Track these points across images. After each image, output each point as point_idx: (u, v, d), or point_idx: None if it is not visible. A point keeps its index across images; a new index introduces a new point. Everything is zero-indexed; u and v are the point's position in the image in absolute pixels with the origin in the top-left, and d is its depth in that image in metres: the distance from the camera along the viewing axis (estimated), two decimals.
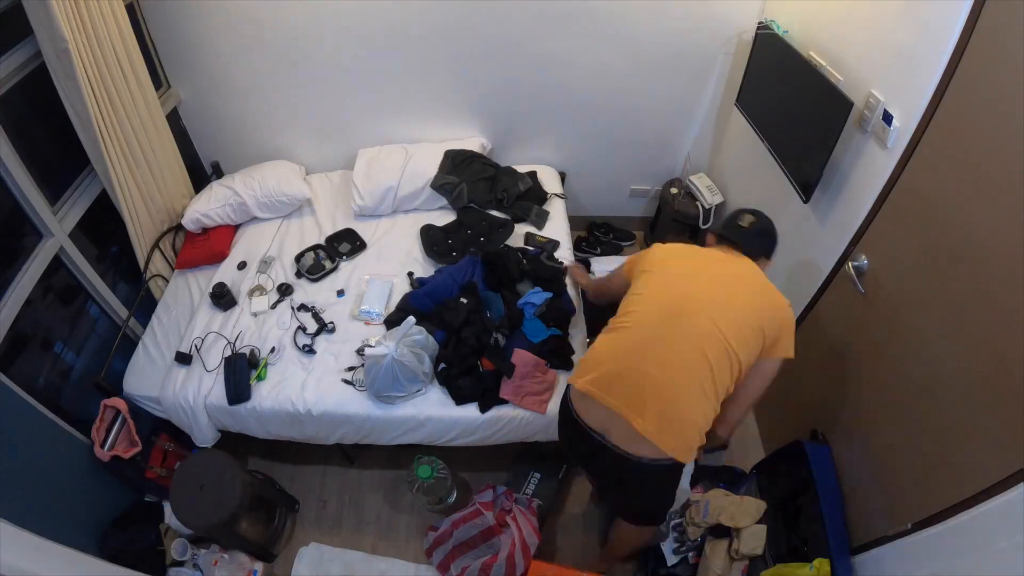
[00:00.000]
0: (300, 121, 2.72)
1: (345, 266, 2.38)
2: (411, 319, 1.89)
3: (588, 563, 2.03)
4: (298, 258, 2.37)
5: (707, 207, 2.67)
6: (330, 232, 2.52)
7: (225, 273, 2.37)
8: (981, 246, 1.28)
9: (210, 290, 2.22)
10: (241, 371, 1.96)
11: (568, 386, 1.56)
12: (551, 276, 2.13)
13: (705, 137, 2.83)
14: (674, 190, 2.82)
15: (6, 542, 1.34)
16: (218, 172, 2.87)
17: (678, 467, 1.44)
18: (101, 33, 1.89)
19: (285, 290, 2.26)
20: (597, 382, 1.44)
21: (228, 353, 2.03)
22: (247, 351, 2.02)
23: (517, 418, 1.91)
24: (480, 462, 2.29)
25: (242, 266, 2.40)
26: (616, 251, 3.15)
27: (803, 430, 2.04)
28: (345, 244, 2.45)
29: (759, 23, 2.21)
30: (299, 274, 2.34)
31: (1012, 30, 1.18)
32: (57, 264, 1.94)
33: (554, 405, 1.89)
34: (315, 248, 2.42)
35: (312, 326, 2.14)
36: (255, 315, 2.19)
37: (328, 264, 2.35)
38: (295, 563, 2.05)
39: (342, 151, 2.80)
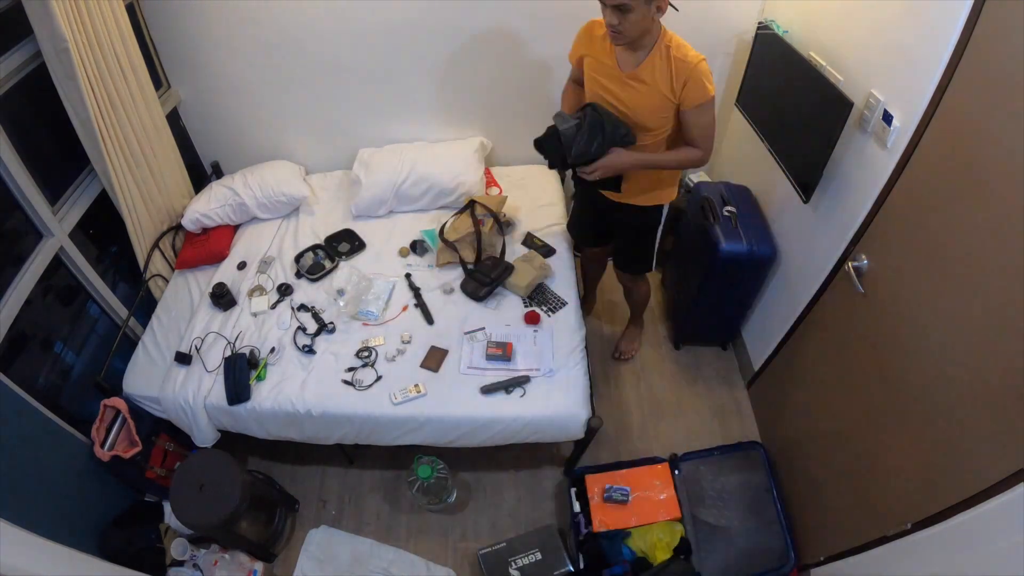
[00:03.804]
0: (300, 121, 2.72)
1: (344, 266, 2.38)
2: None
3: None
4: (298, 258, 2.38)
5: None
6: (330, 232, 2.52)
7: (225, 273, 2.37)
8: (981, 246, 1.28)
9: (210, 290, 2.22)
10: (241, 371, 1.96)
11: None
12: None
13: None
14: None
15: (6, 542, 1.34)
16: (218, 172, 2.88)
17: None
18: (101, 33, 1.90)
19: (285, 290, 2.26)
20: None
21: (228, 353, 2.03)
22: (247, 351, 2.02)
23: (518, 419, 1.91)
24: (481, 462, 2.29)
25: (242, 266, 2.40)
26: None
27: (800, 429, 2.05)
28: (344, 244, 2.45)
29: (759, 23, 2.22)
30: (299, 274, 2.34)
31: (1012, 30, 1.18)
32: (57, 264, 1.94)
33: None
34: (314, 248, 2.42)
35: (312, 326, 2.14)
36: (255, 315, 2.19)
37: (328, 264, 2.35)
38: (304, 544, 2.07)
39: (342, 151, 2.80)
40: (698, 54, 1.65)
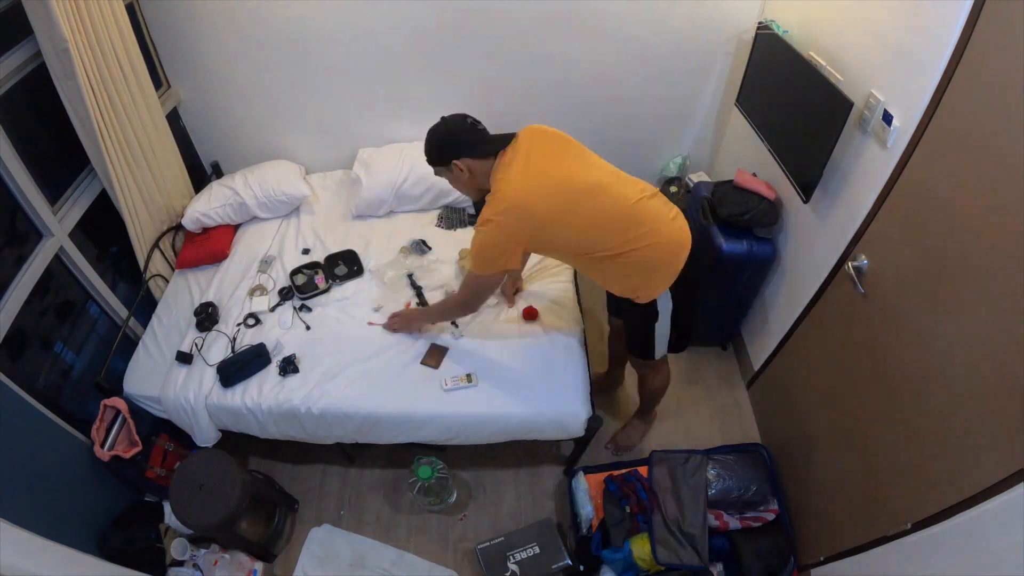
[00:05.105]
0: (300, 121, 2.72)
1: (336, 290, 2.28)
2: None
3: None
4: (293, 273, 2.31)
5: None
6: (329, 233, 2.52)
7: (225, 275, 2.38)
8: (981, 246, 1.28)
9: (195, 308, 2.19)
10: (252, 366, 1.97)
11: None
12: None
13: (705, 137, 2.83)
14: (674, 188, 2.82)
15: (6, 542, 1.34)
16: (218, 172, 2.88)
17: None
18: (101, 33, 1.90)
19: (286, 294, 2.26)
20: None
21: (229, 353, 2.03)
22: (291, 355, 2.01)
23: (518, 418, 1.91)
24: (481, 462, 2.29)
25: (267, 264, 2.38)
26: None
27: (800, 429, 2.05)
28: (342, 267, 2.35)
29: (759, 23, 2.22)
30: (292, 288, 2.26)
31: (1012, 30, 1.18)
32: (57, 264, 1.94)
33: None
34: (313, 266, 2.34)
35: (314, 325, 2.14)
36: (255, 314, 2.19)
37: (321, 285, 2.27)
38: (306, 543, 2.07)
39: (342, 151, 2.80)
40: (496, 212, 1.55)
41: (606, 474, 2.06)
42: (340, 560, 2.05)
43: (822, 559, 1.80)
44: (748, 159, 2.49)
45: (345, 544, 2.09)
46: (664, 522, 1.89)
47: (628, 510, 1.94)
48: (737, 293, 2.35)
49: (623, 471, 2.06)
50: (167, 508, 1.99)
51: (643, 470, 2.06)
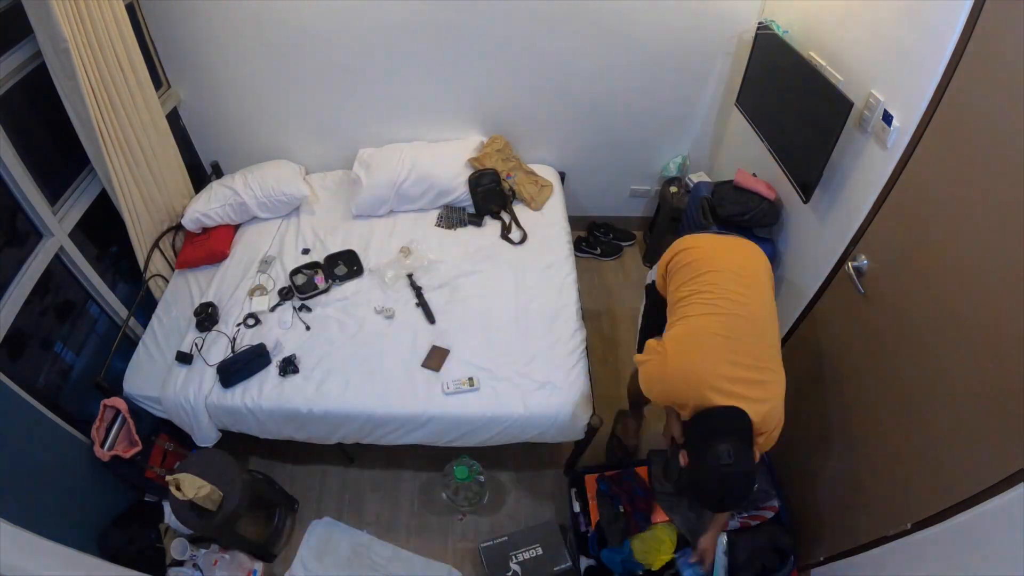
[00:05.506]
0: (300, 121, 2.72)
1: (336, 290, 2.29)
2: None
3: None
4: (293, 273, 2.32)
5: None
6: (329, 233, 2.52)
7: (225, 276, 2.38)
8: (981, 246, 1.28)
9: (195, 308, 2.19)
10: (252, 366, 1.97)
11: None
12: None
13: (705, 137, 2.83)
14: (674, 189, 2.82)
15: (6, 542, 1.34)
16: (218, 172, 2.88)
17: None
18: (101, 33, 1.90)
19: (286, 294, 2.26)
20: None
21: (229, 353, 2.03)
22: (291, 356, 2.02)
23: (518, 419, 1.91)
24: (481, 462, 2.28)
25: (267, 262, 2.38)
26: (616, 251, 3.16)
27: (800, 429, 2.05)
28: (342, 267, 2.35)
29: (759, 23, 2.22)
30: (292, 288, 2.27)
31: (1012, 30, 1.18)
32: (57, 264, 1.94)
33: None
34: (313, 266, 2.34)
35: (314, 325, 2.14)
36: (254, 314, 2.19)
37: (321, 285, 2.28)
38: (307, 535, 2.08)
39: (342, 151, 2.80)
40: None
41: (598, 474, 2.06)
42: (338, 554, 2.05)
43: (822, 559, 1.80)
44: (748, 159, 2.49)
45: (344, 538, 2.09)
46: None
47: (621, 509, 1.94)
48: None
49: (618, 471, 2.06)
50: (167, 508, 1.99)
51: (642, 471, 2.06)
